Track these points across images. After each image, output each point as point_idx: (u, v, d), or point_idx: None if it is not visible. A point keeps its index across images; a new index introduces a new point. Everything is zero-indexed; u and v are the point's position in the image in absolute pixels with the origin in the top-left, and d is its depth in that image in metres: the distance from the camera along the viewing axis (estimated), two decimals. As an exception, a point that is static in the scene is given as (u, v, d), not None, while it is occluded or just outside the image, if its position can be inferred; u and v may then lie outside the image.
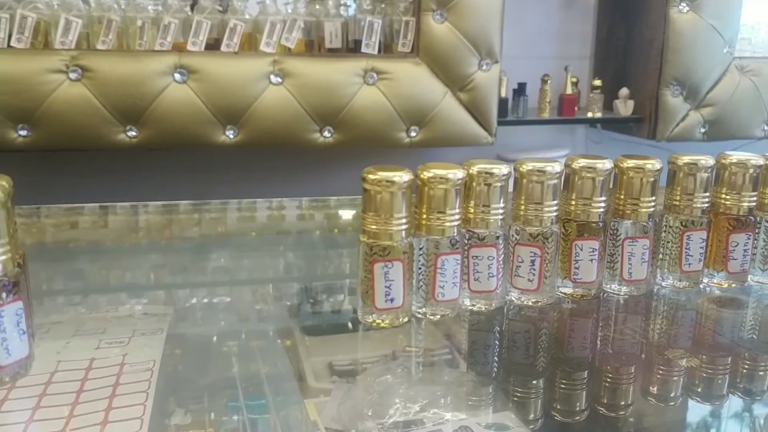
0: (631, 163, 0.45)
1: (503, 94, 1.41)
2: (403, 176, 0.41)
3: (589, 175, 0.44)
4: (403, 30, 1.29)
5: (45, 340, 0.44)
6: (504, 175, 0.43)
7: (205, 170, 1.38)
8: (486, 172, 0.43)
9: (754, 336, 0.48)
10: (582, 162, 0.44)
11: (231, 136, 1.20)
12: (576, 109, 1.51)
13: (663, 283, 0.50)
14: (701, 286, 0.50)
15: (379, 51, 1.28)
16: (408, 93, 1.28)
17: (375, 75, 1.26)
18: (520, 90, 1.44)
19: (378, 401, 0.36)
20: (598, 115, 1.50)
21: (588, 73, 1.63)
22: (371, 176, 0.41)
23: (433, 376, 0.40)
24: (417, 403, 0.36)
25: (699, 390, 0.41)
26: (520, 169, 0.44)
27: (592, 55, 1.63)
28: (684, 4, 1.42)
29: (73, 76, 1.09)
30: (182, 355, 0.45)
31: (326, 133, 1.26)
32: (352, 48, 1.30)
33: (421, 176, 0.42)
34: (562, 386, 0.42)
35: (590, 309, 0.48)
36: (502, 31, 1.31)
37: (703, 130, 1.53)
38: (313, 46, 1.30)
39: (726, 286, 0.50)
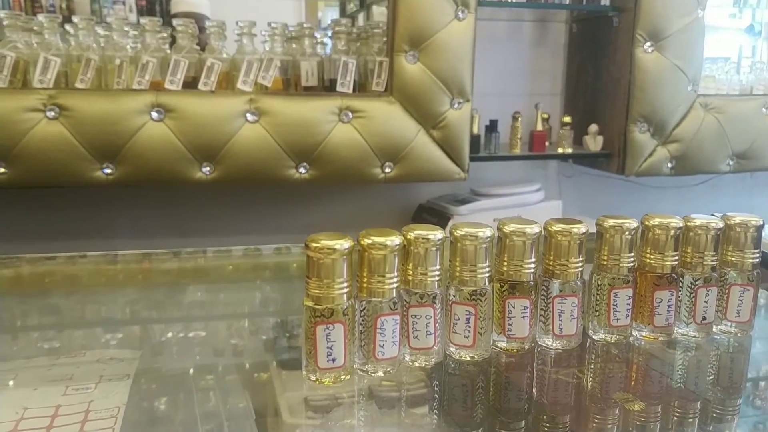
0: (558, 227, 0.49)
1: (475, 131, 1.45)
2: (344, 244, 0.44)
3: (519, 238, 0.48)
4: (377, 70, 1.33)
5: (12, 387, 0.45)
6: (439, 239, 0.46)
7: (181, 206, 1.40)
8: (423, 238, 0.46)
9: (682, 385, 0.51)
10: (512, 226, 0.48)
11: (207, 173, 1.22)
12: (546, 144, 1.55)
13: (595, 337, 0.53)
14: (630, 339, 0.53)
15: (354, 90, 1.32)
16: (382, 131, 1.32)
17: (350, 113, 1.30)
18: (491, 127, 1.48)
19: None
20: (569, 150, 1.55)
21: (559, 109, 1.68)
22: (314, 244, 0.43)
23: (392, 419, 0.43)
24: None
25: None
26: (455, 233, 0.47)
27: (563, 92, 1.68)
28: (649, 44, 1.48)
29: (50, 114, 1.12)
30: (148, 400, 0.46)
31: (302, 170, 1.29)
32: (327, 87, 1.34)
33: (362, 243, 0.45)
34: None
35: (525, 362, 0.51)
36: (473, 71, 1.35)
37: (670, 165, 1.57)
38: (289, 84, 1.33)
39: (653, 338, 0.53)
